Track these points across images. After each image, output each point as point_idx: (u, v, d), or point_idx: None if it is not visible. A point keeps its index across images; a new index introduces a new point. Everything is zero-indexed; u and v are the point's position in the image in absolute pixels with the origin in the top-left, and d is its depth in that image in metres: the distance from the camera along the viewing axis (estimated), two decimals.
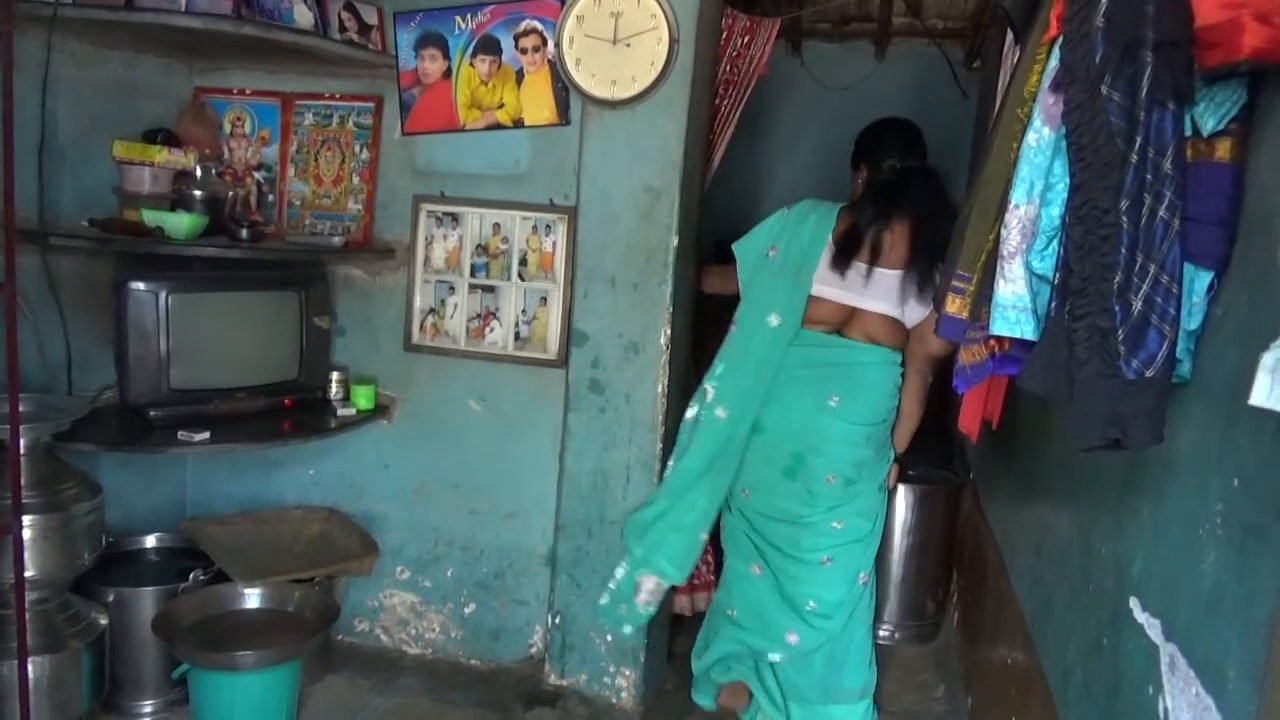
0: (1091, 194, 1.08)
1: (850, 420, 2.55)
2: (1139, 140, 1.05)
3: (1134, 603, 1.39)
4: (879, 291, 2.49)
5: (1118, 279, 1.08)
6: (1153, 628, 1.29)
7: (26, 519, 2.21)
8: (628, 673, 2.89)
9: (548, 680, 2.95)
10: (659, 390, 2.76)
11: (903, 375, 2.60)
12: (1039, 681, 1.94)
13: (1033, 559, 2.21)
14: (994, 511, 2.92)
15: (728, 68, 2.89)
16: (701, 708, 2.90)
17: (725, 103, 2.92)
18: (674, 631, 3.29)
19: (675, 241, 2.71)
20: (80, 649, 2.38)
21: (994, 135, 1.30)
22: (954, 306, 1.33)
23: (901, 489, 3.50)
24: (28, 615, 2.23)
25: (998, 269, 1.21)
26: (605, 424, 2.82)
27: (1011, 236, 1.19)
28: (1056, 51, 1.17)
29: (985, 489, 3.19)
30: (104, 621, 2.49)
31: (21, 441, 2.20)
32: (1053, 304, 1.13)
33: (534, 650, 3.06)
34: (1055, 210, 1.14)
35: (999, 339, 1.25)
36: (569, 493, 2.88)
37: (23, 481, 2.18)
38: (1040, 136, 1.19)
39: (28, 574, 2.21)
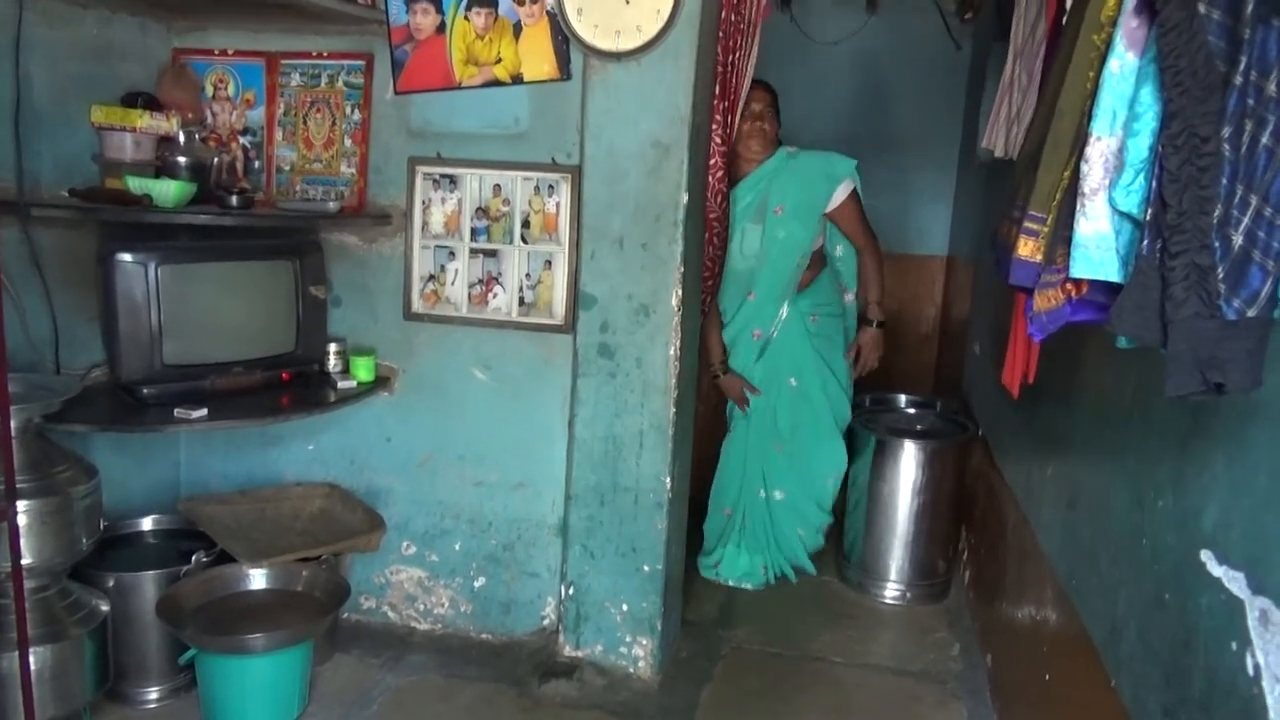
0: (1190, 121, 1.01)
1: None
2: (1243, 61, 0.98)
3: (1206, 556, 1.33)
4: None
5: (1218, 213, 1.01)
6: (1234, 581, 1.24)
7: (21, 504, 2.10)
8: (644, 642, 2.84)
9: (562, 652, 2.89)
10: (671, 353, 2.68)
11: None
12: (1080, 638, 1.90)
13: (1064, 514, 2.16)
14: (1011, 467, 2.87)
15: (732, 16, 2.78)
16: None
17: (737, 54, 2.81)
18: (687, 599, 3.24)
19: (685, 199, 2.62)
20: (82, 637, 2.28)
21: (1065, 66, 1.22)
22: (1026, 249, 1.25)
23: (910, 445, 3.47)
24: (27, 604, 2.14)
25: (1077, 207, 1.13)
26: (616, 389, 2.74)
27: (1093, 171, 1.12)
28: None
29: (999, 444, 3.15)
30: (105, 608, 2.39)
31: (12, 423, 2.09)
32: (1144, 242, 1.06)
33: (547, 622, 3.00)
34: (1144, 141, 1.07)
35: (1076, 282, 1.18)
36: (580, 461, 2.80)
37: (15, 465, 2.08)
38: (1123, 63, 1.11)
39: (25, 561, 2.11)
